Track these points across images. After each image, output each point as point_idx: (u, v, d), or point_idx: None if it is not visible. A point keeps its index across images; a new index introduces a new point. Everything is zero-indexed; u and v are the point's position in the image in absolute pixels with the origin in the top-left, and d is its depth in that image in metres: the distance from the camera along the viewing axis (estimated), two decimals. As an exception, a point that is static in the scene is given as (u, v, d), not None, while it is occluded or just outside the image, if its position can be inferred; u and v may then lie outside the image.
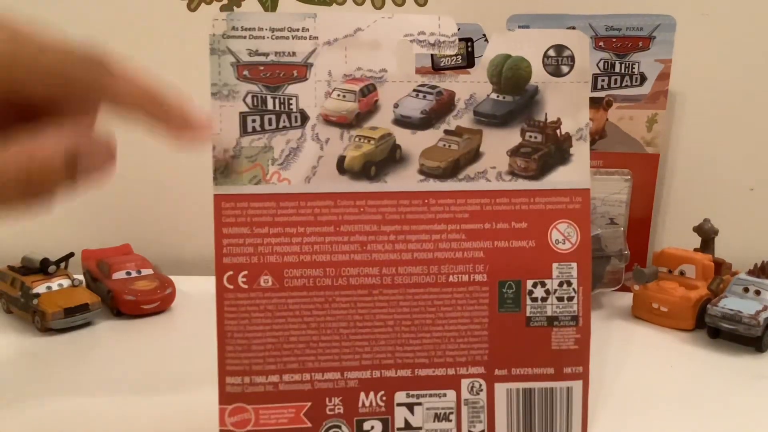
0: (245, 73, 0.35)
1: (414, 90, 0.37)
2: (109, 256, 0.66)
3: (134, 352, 0.52)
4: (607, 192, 0.65)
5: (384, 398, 0.37)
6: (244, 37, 0.35)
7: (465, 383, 0.37)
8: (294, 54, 0.36)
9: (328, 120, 0.36)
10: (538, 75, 0.37)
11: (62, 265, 0.61)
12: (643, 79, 0.64)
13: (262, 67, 0.35)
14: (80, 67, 0.26)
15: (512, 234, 0.37)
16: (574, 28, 0.62)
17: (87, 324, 0.57)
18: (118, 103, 0.27)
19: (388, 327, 0.36)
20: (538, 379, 0.37)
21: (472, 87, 0.37)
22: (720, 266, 0.60)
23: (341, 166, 0.36)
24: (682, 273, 0.59)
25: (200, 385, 0.41)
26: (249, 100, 0.36)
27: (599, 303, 0.63)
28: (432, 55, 0.37)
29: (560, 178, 0.37)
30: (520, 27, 0.64)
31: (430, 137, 0.37)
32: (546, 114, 0.37)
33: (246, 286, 0.35)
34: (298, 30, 0.36)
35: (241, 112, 0.35)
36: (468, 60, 0.37)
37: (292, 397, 0.36)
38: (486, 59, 0.37)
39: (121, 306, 0.59)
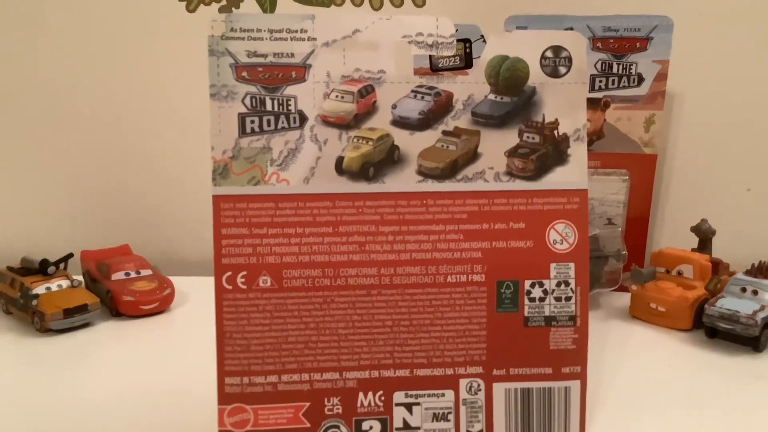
0: (244, 74, 0.35)
1: (412, 91, 0.37)
2: (108, 256, 0.66)
3: (133, 353, 0.52)
4: (605, 192, 0.65)
5: (382, 398, 0.37)
6: (243, 39, 0.35)
7: (463, 383, 0.37)
8: (292, 55, 0.36)
9: (326, 121, 0.36)
10: (536, 76, 0.37)
11: (61, 265, 0.61)
12: (640, 79, 0.64)
13: (260, 69, 0.36)
14: None
15: (510, 234, 0.37)
16: (571, 29, 0.62)
17: (86, 325, 0.57)
18: None
19: (387, 327, 0.36)
20: (536, 379, 0.37)
21: (470, 88, 0.37)
22: (717, 266, 0.60)
23: (340, 167, 0.36)
24: (679, 273, 0.59)
25: (199, 386, 0.41)
26: (248, 101, 0.36)
27: (597, 303, 0.63)
28: (430, 56, 0.37)
29: (558, 178, 0.37)
30: (517, 28, 0.64)
31: (428, 138, 0.37)
32: (544, 115, 0.37)
33: (245, 287, 0.35)
34: (296, 31, 0.36)
35: (239, 113, 0.36)
36: (466, 61, 0.38)
37: (290, 398, 0.36)
38: (484, 60, 0.37)
39: (120, 307, 0.59)
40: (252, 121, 0.36)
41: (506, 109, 0.37)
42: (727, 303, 0.53)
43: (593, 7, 0.64)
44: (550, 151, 0.37)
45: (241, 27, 0.35)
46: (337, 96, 0.36)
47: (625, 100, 0.65)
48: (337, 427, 0.36)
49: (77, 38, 0.73)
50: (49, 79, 0.74)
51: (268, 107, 0.36)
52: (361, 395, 0.36)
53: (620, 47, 0.64)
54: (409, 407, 0.37)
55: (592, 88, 0.65)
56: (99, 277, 0.63)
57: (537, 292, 0.37)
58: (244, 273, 0.35)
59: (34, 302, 0.56)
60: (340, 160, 0.36)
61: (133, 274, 0.63)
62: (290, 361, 0.36)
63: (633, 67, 0.64)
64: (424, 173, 0.37)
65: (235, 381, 0.36)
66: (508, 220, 0.37)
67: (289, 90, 0.36)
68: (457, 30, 0.37)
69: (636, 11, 0.63)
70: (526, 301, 0.37)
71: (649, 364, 0.50)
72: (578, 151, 0.38)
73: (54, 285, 0.58)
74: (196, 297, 0.65)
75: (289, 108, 0.36)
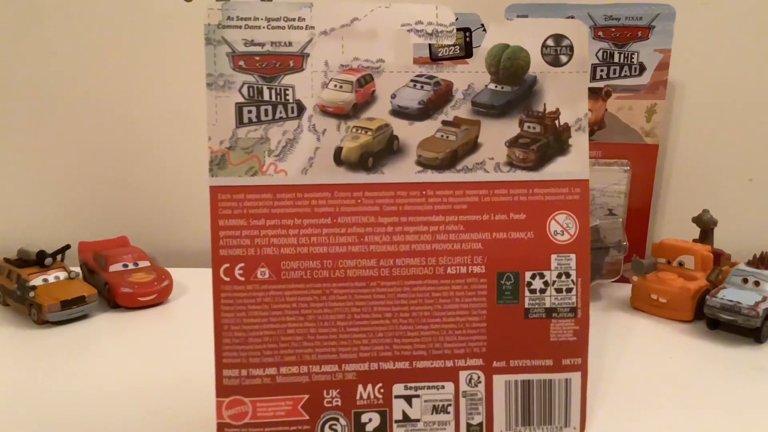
0: (241, 63, 0.35)
1: (411, 80, 0.36)
2: (106, 248, 0.66)
3: (131, 345, 0.52)
4: (606, 183, 0.65)
5: (382, 391, 0.36)
6: (240, 27, 0.35)
7: (463, 375, 0.37)
8: (290, 44, 0.35)
9: (324, 111, 0.36)
10: (537, 65, 0.37)
11: (59, 257, 0.61)
12: (642, 69, 0.64)
13: (257, 58, 0.35)
14: None
15: (510, 225, 0.37)
16: (572, 17, 0.62)
17: (84, 316, 0.57)
18: None
19: (386, 319, 0.36)
20: (536, 371, 0.37)
21: (470, 77, 0.37)
22: (719, 257, 0.60)
23: (338, 158, 0.36)
24: (681, 264, 0.59)
25: (197, 378, 0.41)
26: (245, 90, 0.35)
27: (598, 294, 0.63)
28: (430, 44, 0.37)
29: (559, 168, 0.37)
30: (518, 16, 0.63)
31: (427, 128, 0.36)
32: (545, 104, 0.37)
33: (243, 279, 0.35)
34: (294, 20, 0.35)
35: (236, 103, 0.35)
36: (466, 50, 0.37)
37: (289, 390, 0.36)
38: (484, 49, 0.37)
39: (118, 298, 0.59)
40: (249, 111, 0.35)
41: (507, 98, 0.37)
42: (729, 294, 0.52)
43: (594, -5, 0.64)
44: (551, 141, 0.37)
45: (238, 15, 0.35)
46: (335, 85, 0.36)
47: (627, 90, 0.64)
48: (336, 419, 0.36)
49: (73, 29, 0.72)
50: (46, 71, 0.73)
51: (266, 97, 0.35)
52: (360, 388, 0.36)
53: (622, 36, 0.63)
54: (408, 400, 0.37)
55: (593, 78, 0.64)
56: (96, 268, 0.63)
57: (537, 284, 0.37)
58: (242, 265, 0.35)
59: (31, 294, 0.55)
60: (338, 151, 0.36)
61: (130, 266, 0.63)
62: (289, 354, 0.36)
63: (634, 56, 0.63)
64: (424, 164, 0.36)
65: (234, 373, 0.35)
66: (508, 211, 0.37)
67: (287, 79, 0.35)
68: (457, 18, 0.36)
69: (638, 0, 0.63)
70: (527, 293, 0.37)
71: (650, 356, 0.50)
72: (579, 141, 0.37)
73: (51, 277, 0.58)
74: (194, 288, 0.65)
75: (287, 98, 0.36)
